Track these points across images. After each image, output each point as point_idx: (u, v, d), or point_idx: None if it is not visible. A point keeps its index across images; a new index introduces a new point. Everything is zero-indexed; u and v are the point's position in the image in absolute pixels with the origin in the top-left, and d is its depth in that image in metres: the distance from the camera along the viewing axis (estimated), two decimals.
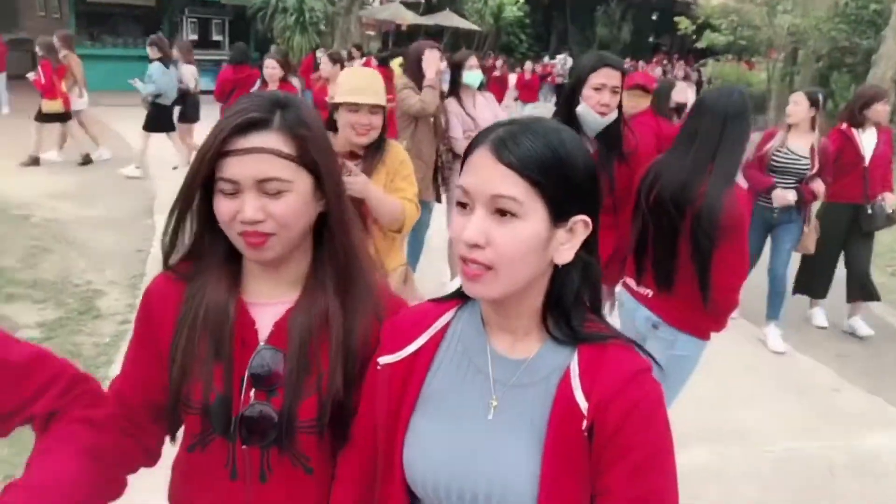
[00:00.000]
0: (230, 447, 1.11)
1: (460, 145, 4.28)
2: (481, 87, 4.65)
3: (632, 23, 25.89)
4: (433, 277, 4.90)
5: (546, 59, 20.36)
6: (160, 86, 7.68)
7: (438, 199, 4.63)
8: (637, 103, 4.50)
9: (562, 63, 18.08)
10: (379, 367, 1.03)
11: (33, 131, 8.08)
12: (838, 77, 14.49)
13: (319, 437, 1.10)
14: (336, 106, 2.40)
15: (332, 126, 2.40)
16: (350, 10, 16.96)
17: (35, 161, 8.12)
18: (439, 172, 4.45)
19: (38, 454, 1.06)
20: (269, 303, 1.13)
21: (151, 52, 7.77)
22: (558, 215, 0.88)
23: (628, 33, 26.07)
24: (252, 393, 1.09)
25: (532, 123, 0.91)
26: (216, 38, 17.54)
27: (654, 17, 25.61)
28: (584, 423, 0.87)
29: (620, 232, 2.60)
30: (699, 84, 16.89)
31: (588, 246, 0.93)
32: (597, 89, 2.45)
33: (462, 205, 0.90)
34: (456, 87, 4.49)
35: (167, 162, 7.96)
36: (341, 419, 1.09)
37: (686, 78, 15.66)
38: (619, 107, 2.51)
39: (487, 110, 4.50)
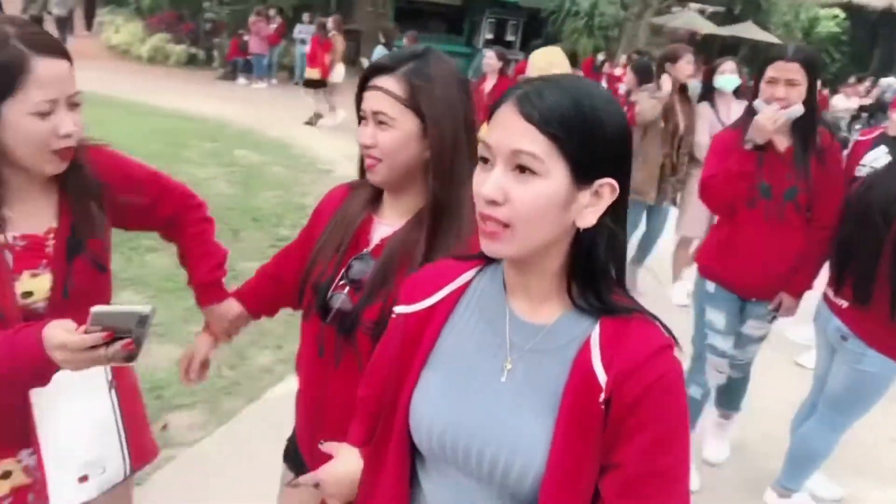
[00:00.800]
0: (321, 325, 1.33)
1: (703, 152, 4.29)
2: (737, 94, 4.57)
3: None
4: (655, 276, 4.95)
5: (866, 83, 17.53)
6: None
7: (673, 202, 4.67)
8: None
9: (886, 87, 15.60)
10: (394, 316, 1.06)
11: (305, 95, 10.36)
12: None
13: (374, 340, 1.22)
14: None
15: None
16: (641, 15, 16.86)
17: (313, 120, 10.13)
18: (671, 175, 4.48)
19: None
20: (387, 223, 1.34)
21: (336, 32, 9.97)
22: (581, 176, 0.85)
23: None
24: (343, 284, 1.32)
25: (562, 79, 0.88)
26: (509, 38, 18.70)
27: None
28: (602, 396, 0.85)
29: (815, 235, 2.53)
30: None
31: (615, 213, 0.89)
32: (769, 83, 2.40)
33: (484, 160, 0.89)
34: (710, 93, 4.47)
35: None
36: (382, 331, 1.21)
37: None
38: (810, 102, 2.40)
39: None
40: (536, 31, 18.07)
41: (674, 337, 0.91)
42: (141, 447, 1.53)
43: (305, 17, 14.36)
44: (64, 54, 1.28)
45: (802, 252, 2.53)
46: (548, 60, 2.86)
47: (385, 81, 1.25)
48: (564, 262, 0.92)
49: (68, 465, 1.38)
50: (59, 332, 1.16)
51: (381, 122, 1.25)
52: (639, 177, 4.30)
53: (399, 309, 1.04)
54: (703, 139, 4.34)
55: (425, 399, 0.97)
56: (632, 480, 0.86)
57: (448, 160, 1.26)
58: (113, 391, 1.45)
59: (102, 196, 1.43)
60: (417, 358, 0.99)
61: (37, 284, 1.34)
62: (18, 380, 1.26)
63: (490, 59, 6.20)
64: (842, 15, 22.03)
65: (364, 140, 1.27)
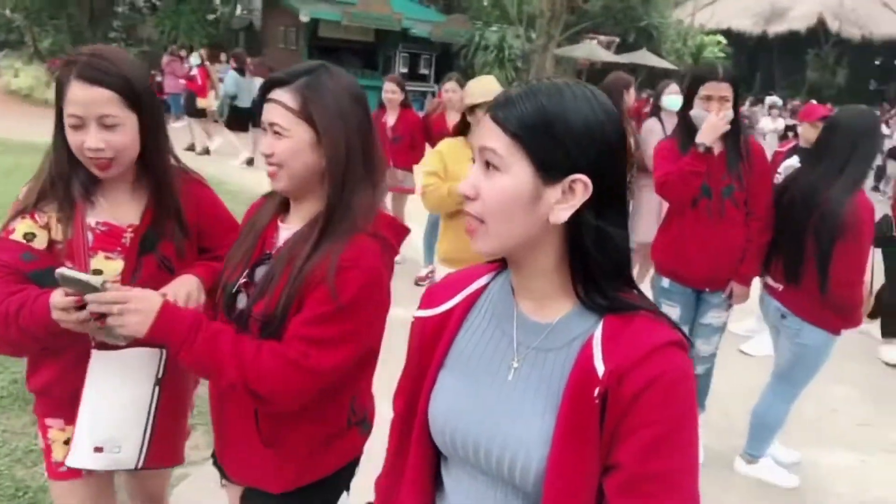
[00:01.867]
0: (227, 324, 1.41)
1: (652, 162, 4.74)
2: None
3: (848, 67, 24.12)
4: None
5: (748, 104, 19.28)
6: (228, 88, 9.75)
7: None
8: (809, 135, 4.64)
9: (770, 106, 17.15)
10: (413, 320, 1.09)
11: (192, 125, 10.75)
12: None
13: (263, 331, 1.34)
14: (472, 108, 3.03)
15: (465, 129, 3.08)
16: (546, 47, 17.79)
17: (206, 151, 10.47)
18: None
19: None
20: (290, 227, 1.42)
21: (231, 63, 10.03)
22: (546, 172, 0.86)
23: (843, 77, 24.32)
24: (246, 284, 1.41)
25: (539, 83, 0.90)
26: (423, 71, 19.26)
27: (876, 62, 23.70)
28: (598, 390, 0.85)
29: (753, 227, 2.89)
30: None
31: (599, 210, 0.88)
32: (705, 99, 2.76)
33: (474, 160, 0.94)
34: (657, 110, 4.93)
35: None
36: (271, 324, 1.33)
37: None
38: (735, 113, 2.78)
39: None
40: (449, 65, 18.70)
41: (685, 336, 0.90)
42: (162, 450, 1.60)
43: (223, 56, 14.34)
44: (101, 83, 1.42)
45: (744, 243, 2.90)
46: (483, 86, 3.16)
47: (280, 94, 1.34)
48: (559, 260, 0.92)
49: (92, 431, 1.50)
50: (55, 294, 1.33)
51: (276, 133, 1.34)
52: None
53: (418, 313, 1.07)
54: (650, 151, 4.78)
55: (440, 399, 1.00)
56: (631, 481, 0.84)
57: (341, 167, 1.34)
58: (157, 388, 1.55)
59: (180, 216, 1.63)
60: (435, 360, 1.02)
61: (108, 266, 1.53)
62: (35, 333, 1.39)
63: (388, 91, 5.49)
64: (724, 41, 23.96)
65: (263, 149, 1.37)
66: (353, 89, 1.38)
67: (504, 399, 0.94)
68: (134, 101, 1.45)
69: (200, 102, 10.58)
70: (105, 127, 1.43)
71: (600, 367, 0.86)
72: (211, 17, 17.74)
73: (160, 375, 1.55)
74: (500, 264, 1.05)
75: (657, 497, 0.84)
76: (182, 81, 11.65)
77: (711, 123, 2.69)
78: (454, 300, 1.04)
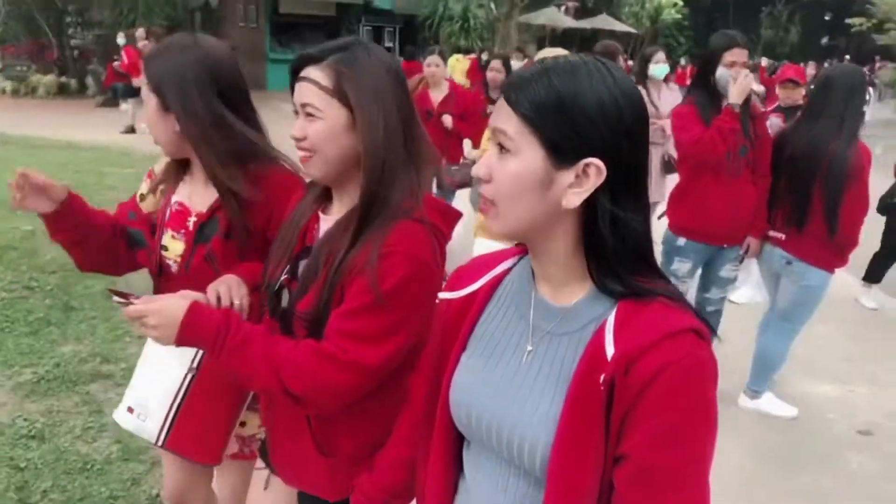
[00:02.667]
0: (272, 322, 1.35)
1: None
2: (667, 80, 5.21)
3: (800, 24, 24.70)
4: None
5: None
6: None
7: None
8: (790, 94, 4.91)
9: None
10: (438, 302, 1.10)
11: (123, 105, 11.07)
12: None
13: (309, 330, 1.26)
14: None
15: None
16: (510, 15, 17.87)
17: (131, 129, 10.69)
18: None
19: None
20: (332, 218, 1.31)
21: (147, 42, 10.22)
22: (559, 155, 0.85)
23: (796, 35, 24.90)
24: (287, 280, 1.32)
25: (554, 61, 0.88)
26: (388, 44, 19.18)
27: (826, 18, 24.32)
28: (603, 376, 0.84)
29: (762, 184, 3.17)
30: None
31: (614, 194, 0.86)
32: (730, 65, 2.98)
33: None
34: (643, 79, 5.08)
35: None
36: (318, 322, 1.24)
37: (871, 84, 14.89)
38: None
39: (671, 100, 5.11)
40: (413, 37, 18.65)
41: (707, 324, 0.88)
42: (188, 439, 1.55)
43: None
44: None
45: (757, 199, 3.17)
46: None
47: (313, 72, 1.23)
48: (575, 245, 0.90)
49: (133, 391, 1.59)
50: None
51: (308, 115, 1.24)
52: None
53: (443, 295, 1.07)
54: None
55: (461, 381, 1.01)
56: (641, 472, 0.83)
57: (380, 150, 1.22)
58: (191, 376, 1.52)
59: (245, 212, 1.52)
60: (458, 342, 1.03)
61: (172, 244, 1.61)
62: None
63: (432, 65, 5.12)
64: (681, 3, 24.28)
65: (294, 133, 1.25)
66: (391, 66, 1.28)
67: (517, 382, 0.94)
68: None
69: (136, 82, 10.65)
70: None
71: (610, 352, 0.85)
72: None
73: (195, 365, 1.52)
74: (526, 247, 1.02)
75: (663, 490, 0.83)
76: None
77: (741, 84, 2.92)
78: (479, 283, 1.04)
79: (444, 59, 5.36)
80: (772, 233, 3.22)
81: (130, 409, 1.56)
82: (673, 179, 3.83)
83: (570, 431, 0.86)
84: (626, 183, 0.87)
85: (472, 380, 0.99)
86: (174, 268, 1.62)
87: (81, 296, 4.19)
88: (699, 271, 3.38)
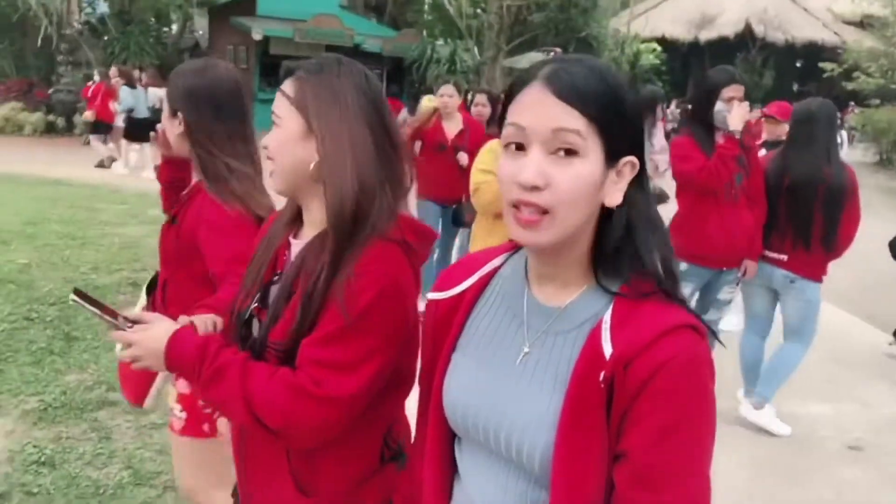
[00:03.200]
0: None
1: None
2: None
3: (774, 69, 25.55)
4: None
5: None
6: (125, 102, 10.31)
7: None
8: (773, 129, 5.13)
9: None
10: (427, 302, 1.08)
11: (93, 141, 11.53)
12: None
13: (282, 360, 1.18)
14: None
15: None
16: (496, 59, 18.32)
17: (106, 162, 11.02)
18: None
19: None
20: (302, 241, 1.25)
21: (119, 79, 10.49)
22: (612, 154, 0.85)
23: (770, 79, 25.72)
24: (257, 308, 1.26)
25: (582, 59, 0.87)
26: None
27: (797, 64, 25.20)
28: (603, 374, 0.83)
29: (756, 210, 3.37)
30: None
31: (641, 188, 0.89)
32: (728, 100, 3.18)
33: (516, 147, 0.86)
34: None
35: None
36: (293, 352, 1.16)
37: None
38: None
39: (658, 138, 5.34)
40: (400, 79, 19.02)
41: (702, 320, 0.88)
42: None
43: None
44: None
45: (753, 225, 3.35)
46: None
47: (285, 84, 1.22)
48: (590, 244, 0.91)
49: None
50: None
51: (274, 123, 1.22)
52: None
53: (431, 295, 1.06)
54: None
55: (453, 380, 0.99)
56: (641, 470, 0.82)
57: (341, 164, 1.16)
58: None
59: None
60: (448, 341, 1.01)
61: None
62: None
63: (446, 96, 4.94)
64: (658, 48, 25.03)
65: (263, 142, 1.26)
66: (362, 84, 1.22)
67: (513, 381, 0.93)
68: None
69: (88, 115, 11.31)
70: None
71: (608, 351, 0.84)
72: (152, 38, 17.54)
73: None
74: (514, 245, 1.02)
75: (665, 486, 0.82)
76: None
77: (740, 112, 3.12)
78: (468, 282, 1.03)
79: (459, 91, 5.18)
80: (773, 254, 3.42)
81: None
82: (661, 210, 4.05)
83: (572, 430, 0.85)
84: (641, 177, 0.89)
85: (467, 379, 0.98)
86: None
87: (82, 326, 4.19)
88: (697, 295, 3.52)
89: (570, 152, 0.83)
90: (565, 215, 0.84)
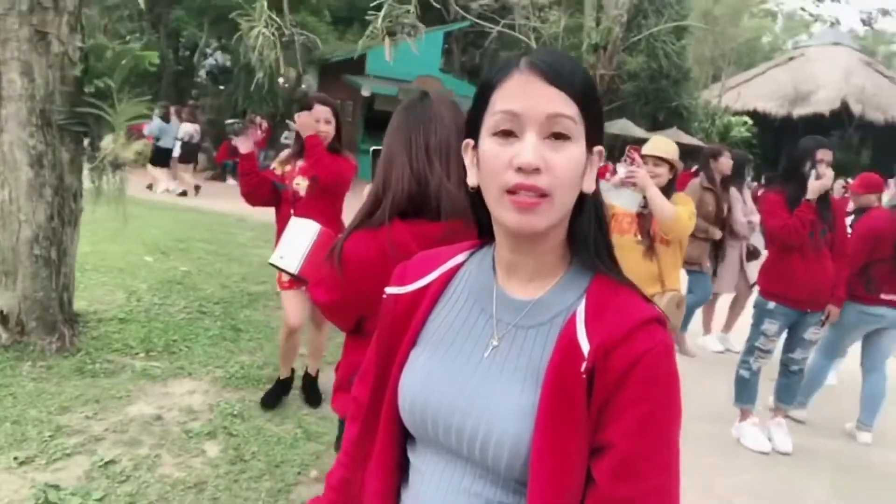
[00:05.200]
0: None
1: (739, 227, 5.56)
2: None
3: (872, 148, 25.13)
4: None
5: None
6: (152, 131, 11.99)
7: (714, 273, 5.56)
8: (858, 200, 5.48)
9: None
10: (385, 297, 1.05)
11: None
12: None
13: None
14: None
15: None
16: None
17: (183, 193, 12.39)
18: (718, 248, 5.49)
19: None
20: None
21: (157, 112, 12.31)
22: (591, 141, 0.88)
23: (867, 158, 25.26)
24: None
25: (556, 50, 0.91)
26: None
27: None
28: (584, 365, 0.84)
29: (839, 261, 3.85)
30: None
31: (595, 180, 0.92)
32: (820, 161, 3.64)
33: (505, 133, 0.86)
34: (741, 180, 5.69)
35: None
36: None
37: None
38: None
39: (748, 196, 5.79)
40: None
41: (662, 312, 0.90)
42: (306, 270, 2.27)
43: (291, 123, 15.71)
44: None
45: (835, 274, 3.82)
46: (654, 144, 3.96)
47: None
48: (565, 233, 0.92)
49: (281, 248, 2.31)
50: None
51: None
52: (698, 251, 5.26)
53: (390, 290, 1.04)
54: (739, 217, 5.58)
55: (412, 376, 0.97)
56: (621, 462, 0.83)
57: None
58: (311, 239, 2.28)
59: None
60: (407, 338, 1.00)
61: (301, 182, 3.53)
62: None
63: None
64: (750, 122, 25.11)
65: None
66: (409, 115, 1.64)
67: (480, 376, 0.92)
68: None
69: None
70: None
71: (585, 344, 0.85)
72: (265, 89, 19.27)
73: (314, 237, 2.29)
74: (478, 243, 1.04)
75: (645, 476, 0.84)
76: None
77: (819, 184, 3.61)
78: (429, 277, 1.02)
79: None
80: (888, 297, 4.03)
81: (281, 257, 2.36)
82: (753, 266, 4.57)
83: (551, 423, 0.85)
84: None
85: (427, 376, 0.96)
86: (302, 193, 3.52)
87: (245, 321, 4.95)
88: (785, 334, 3.94)
89: (563, 136, 0.85)
90: (561, 198, 0.86)
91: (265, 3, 6.44)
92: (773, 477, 3.66)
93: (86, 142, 4.07)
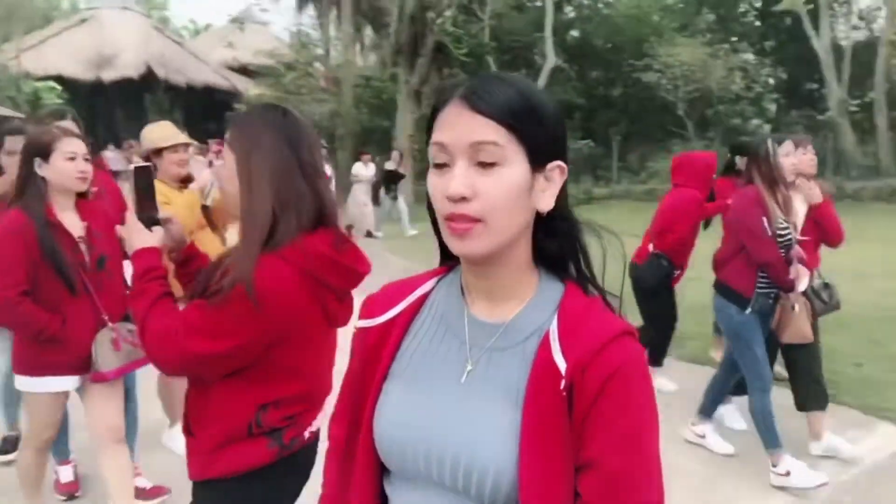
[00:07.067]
0: None
1: None
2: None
3: (183, 109, 27.09)
4: None
5: None
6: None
7: None
8: None
9: None
10: (355, 332, 1.05)
11: None
12: None
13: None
14: (158, 152, 3.33)
15: None
16: None
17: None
18: None
19: None
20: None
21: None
22: (536, 160, 0.87)
23: (181, 117, 27.12)
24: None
25: (501, 75, 0.90)
26: None
27: (203, 105, 27.37)
28: (563, 383, 0.84)
29: None
30: None
31: (563, 196, 0.91)
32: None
33: (438, 166, 0.87)
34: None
35: None
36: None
37: None
38: None
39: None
40: None
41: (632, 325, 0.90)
42: None
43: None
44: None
45: None
46: (164, 130, 3.30)
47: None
48: (529, 251, 0.92)
49: None
50: None
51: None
52: None
53: (359, 324, 1.04)
54: None
55: (387, 410, 0.96)
56: (607, 480, 0.83)
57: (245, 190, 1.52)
58: None
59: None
60: (379, 371, 0.98)
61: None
62: None
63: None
64: (59, 87, 23.43)
65: None
66: (278, 121, 1.57)
67: (458, 402, 0.91)
68: None
69: None
70: None
71: (561, 362, 0.85)
72: None
73: None
74: (444, 269, 1.03)
75: (633, 490, 0.84)
76: None
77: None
78: (397, 308, 1.01)
79: None
80: None
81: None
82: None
83: (535, 442, 0.85)
84: (565, 186, 0.92)
85: (403, 408, 0.95)
86: None
87: None
88: None
89: (491, 163, 0.85)
90: (499, 221, 0.86)
91: None
92: None
93: None
